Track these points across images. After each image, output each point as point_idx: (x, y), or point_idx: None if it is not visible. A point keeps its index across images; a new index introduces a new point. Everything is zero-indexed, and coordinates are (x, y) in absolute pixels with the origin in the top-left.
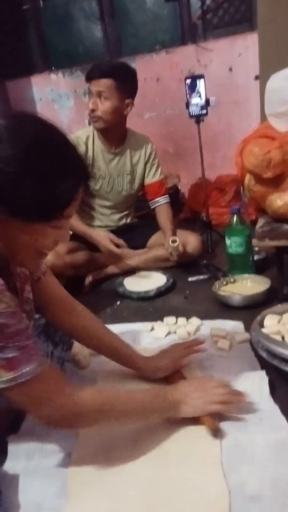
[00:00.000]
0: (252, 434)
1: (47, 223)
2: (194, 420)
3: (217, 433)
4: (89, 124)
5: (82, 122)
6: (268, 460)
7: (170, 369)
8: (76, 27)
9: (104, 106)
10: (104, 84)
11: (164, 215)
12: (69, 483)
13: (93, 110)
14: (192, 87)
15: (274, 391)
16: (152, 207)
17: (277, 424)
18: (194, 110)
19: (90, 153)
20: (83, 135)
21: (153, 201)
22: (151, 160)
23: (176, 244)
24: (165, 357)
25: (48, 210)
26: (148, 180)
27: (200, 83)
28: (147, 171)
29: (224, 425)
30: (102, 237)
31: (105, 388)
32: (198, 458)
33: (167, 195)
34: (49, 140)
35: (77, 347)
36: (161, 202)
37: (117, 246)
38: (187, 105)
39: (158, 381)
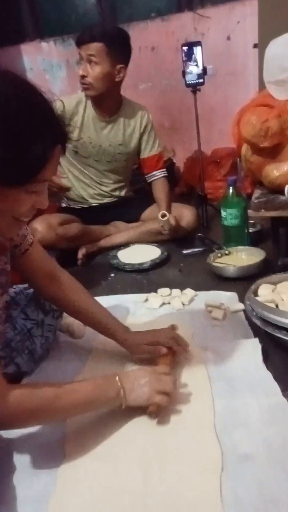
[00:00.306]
0: (245, 399)
1: (20, 187)
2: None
3: (155, 415)
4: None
5: (75, 93)
6: (260, 423)
7: (149, 351)
8: None
9: (95, 72)
10: (94, 48)
11: (160, 189)
12: (66, 445)
13: (83, 76)
14: (189, 55)
15: (267, 358)
16: (148, 180)
17: (270, 390)
18: (191, 78)
19: (79, 118)
20: (73, 100)
21: (149, 174)
22: (147, 132)
23: (166, 218)
24: (147, 337)
25: (19, 173)
26: (145, 154)
27: (197, 51)
28: (143, 144)
29: (218, 391)
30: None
31: (44, 383)
32: (192, 422)
33: (164, 169)
34: (20, 97)
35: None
36: (158, 176)
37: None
38: (184, 73)
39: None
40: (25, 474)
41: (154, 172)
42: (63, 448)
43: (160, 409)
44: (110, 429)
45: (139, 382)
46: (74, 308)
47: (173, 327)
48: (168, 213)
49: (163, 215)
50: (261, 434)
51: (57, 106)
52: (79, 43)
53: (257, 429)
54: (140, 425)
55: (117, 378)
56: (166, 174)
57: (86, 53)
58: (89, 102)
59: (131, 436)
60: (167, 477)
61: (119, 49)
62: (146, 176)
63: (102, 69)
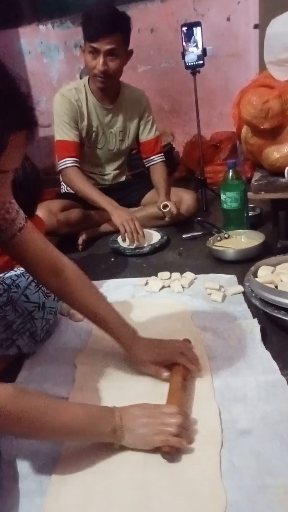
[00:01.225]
0: (244, 377)
1: None
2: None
3: (169, 456)
4: (81, 77)
5: (74, 76)
6: (259, 399)
7: (153, 373)
8: None
9: (116, 65)
10: (114, 41)
11: (158, 174)
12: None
13: (104, 71)
14: (188, 36)
15: (266, 338)
16: (146, 165)
17: (268, 368)
18: (191, 60)
19: (84, 108)
20: (74, 94)
21: (147, 159)
22: (145, 116)
23: (167, 209)
24: (154, 354)
25: None
26: (143, 138)
27: (197, 31)
28: (141, 128)
29: (217, 370)
30: (123, 219)
31: (38, 393)
32: (192, 400)
33: (162, 154)
34: None
35: None
36: (156, 161)
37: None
38: (183, 55)
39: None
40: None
41: (153, 157)
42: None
43: (173, 450)
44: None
45: (139, 422)
46: (80, 305)
47: (186, 341)
48: (169, 202)
49: (165, 206)
50: (259, 409)
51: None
52: (95, 38)
53: (255, 405)
54: (138, 400)
55: (116, 413)
56: (164, 159)
57: (105, 48)
58: (89, 90)
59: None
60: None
61: (129, 33)
62: (145, 161)
63: (121, 60)
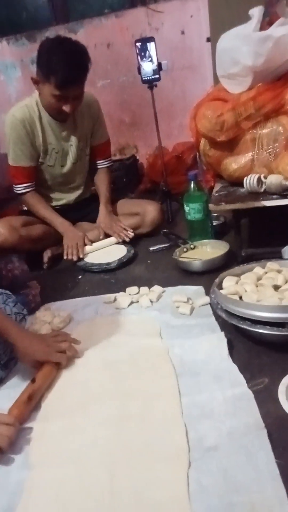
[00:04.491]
0: (211, 392)
1: None
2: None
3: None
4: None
5: (32, 93)
6: (226, 414)
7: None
8: None
9: (80, 102)
10: (83, 83)
11: (100, 178)
12: (31, 455)
13: (71, 112)
14: (143, 51)
15: (233, 349)
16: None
17: (235, 381)
18: (146, 74)
19: (38, 129)
20: (26, 112)
21: (98, 163)
22: (98, 120)
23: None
24: (38, 348)
25: None
26: (96, 142)
27: (151, 46)
28: (94, 132)
29: (185, 387)
30: (76, 237)
31: None
32: (158, 420)
33: (110, 159)
34: None
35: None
36: (102, 166)
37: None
38: (139, 70)
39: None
40: None
41: (102, 161)
42: (28, 457)
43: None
44: (75, 433)
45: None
46: None
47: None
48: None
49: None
50: (226, 425)
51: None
52: (64, 86)
53: (222, 421)
54: (105, 426)
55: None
56: (111, 165)
57: (75, 93)
58: (42, 107)
59: (96, 438)
60: (134, 476)
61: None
62: (96, 163)
63: (83, 95)
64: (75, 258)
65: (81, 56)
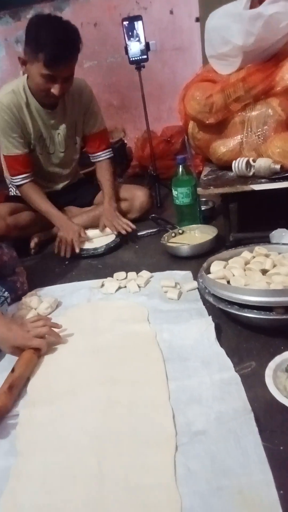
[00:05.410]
0: (199, 377)
1: None
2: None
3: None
4: (24, 73)
5: (18, 73)
6: (214, 399)
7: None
8: None
9: (69, 85)
10: (73, 64)
11: (102, 173)
12: (17, 441)
13: (60, 95)
14: (130, 30)
15: (221, 334)
16: (92, 161)
17: (223, 365)
18: (134, 54)
19: (26, 116)
20: (13, 98)
21: (94, 155)
22: (90, 108)
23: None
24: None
25: None
26: (88, 131)
27: (138, 25)
28: (86, 121)
29: (173, 372)
30: (71, 231)
31: None
32: (146, 406)
33: (109, 149)
34: None
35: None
36: (102, 157)
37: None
38: (126, 50)
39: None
40: None
41: (99, 153)
42: (15, 443)
43: None
44: (62, 419)
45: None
46: None
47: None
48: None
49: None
50: (214, 409)
51: None
52: (53, 66)
53: (210, 405)
54: (93, 411)
55: None
56: (111, 155)
57: (66, 74)
58: (29, 93)
59: (83, 424)
60: (122, 462)
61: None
62: (91, 156)
63: (73, 78)
64: (67, 255)
65: (72, 34)
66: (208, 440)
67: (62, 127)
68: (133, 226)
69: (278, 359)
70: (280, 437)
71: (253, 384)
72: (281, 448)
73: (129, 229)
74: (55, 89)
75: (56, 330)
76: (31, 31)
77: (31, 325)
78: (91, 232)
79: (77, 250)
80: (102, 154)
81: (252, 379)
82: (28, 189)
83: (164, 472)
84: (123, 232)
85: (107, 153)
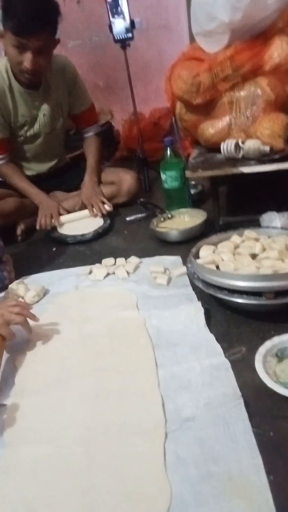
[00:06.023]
0: (188, 363)
1: None
2: None
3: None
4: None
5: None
6: (203, 385)
7: None
8: None
9: (45, 61)
10: (44, 37)
11: (89, 149)
12: (5, 434)
13: (33, 70)
14: (114, 7)
15: (210, 319)
16: (84, 136)
17: (212, 351)
18: (119, 33)
19: (8, 100)
20: None
21: (85, 129)
22: (76, 85)
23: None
24: None
25: None
26: (77, 110)
27: (123, 2)
28: (73, 100)
29: (162, 358)
30: (51, 206)
31: None
32: (135, 393)
33: (97, 123)
34: None
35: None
36: (92, 132)
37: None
38: (110, 28)
39: None
40: None
41: (87, 128)
42: (2, 434)
43: None
44: (50, 409)
45: None
46: None
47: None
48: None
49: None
50: (203, 395)
51: None
52: (21, 33)
53: (199, 391)
54: (82, 401)
55: None
56: (100, 130)
57: (34, 45)
58: (12, 75)
59: (72, 414)
60: (111, 451)
61: (58, 23)
62: (82, 131)
63: (50, 55)
64: (48, 227)
65: (46, 4)
66: (197, 427)
67: (47, 108)
68: (109, 208)
69: (268, 344)
70: (269, 422)
71: (243, 369)
72: (271, 433)
73: (104, 211)
74: (26, 61)
75: (38, 323)
76: (5, 0)
77: (7, 309)
78: (78, 214)
79: (56, 224)
80: (89, 129)
81: (242, 364)
82: (6, 169)
83: (153, 460)
84: (99, 214)
85: (93, 129)
